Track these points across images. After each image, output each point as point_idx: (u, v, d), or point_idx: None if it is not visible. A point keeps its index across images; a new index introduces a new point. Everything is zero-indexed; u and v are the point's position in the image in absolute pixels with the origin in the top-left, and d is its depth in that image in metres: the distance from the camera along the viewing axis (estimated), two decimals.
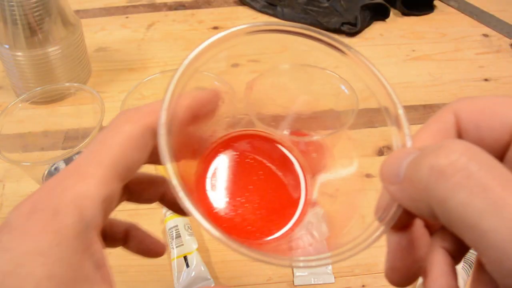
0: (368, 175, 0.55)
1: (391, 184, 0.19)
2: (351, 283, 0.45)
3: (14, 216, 0.20)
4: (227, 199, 0.26)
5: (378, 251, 0.47)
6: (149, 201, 0.28)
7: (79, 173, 0.21)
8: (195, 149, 0.27)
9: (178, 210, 0.28)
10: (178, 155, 0.22)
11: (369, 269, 0.46)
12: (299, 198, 0.27)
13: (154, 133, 0.22)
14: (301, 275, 0.45)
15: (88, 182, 0.20)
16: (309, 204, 0.28)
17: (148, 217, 0.49)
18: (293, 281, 0.45)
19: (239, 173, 0.28)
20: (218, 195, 0.26)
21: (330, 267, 0.45)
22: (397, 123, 0.22)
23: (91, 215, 0.20)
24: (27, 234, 0.19)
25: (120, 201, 0.24)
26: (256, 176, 0.28)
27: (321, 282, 0.45)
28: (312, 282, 0.45)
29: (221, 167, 0.28)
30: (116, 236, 0.28)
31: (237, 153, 0.29)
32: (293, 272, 0.46)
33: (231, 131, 0.30)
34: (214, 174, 0.27)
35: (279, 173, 0.28)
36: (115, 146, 0.22)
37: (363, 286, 0.45)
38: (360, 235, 0.20)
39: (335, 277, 0.45)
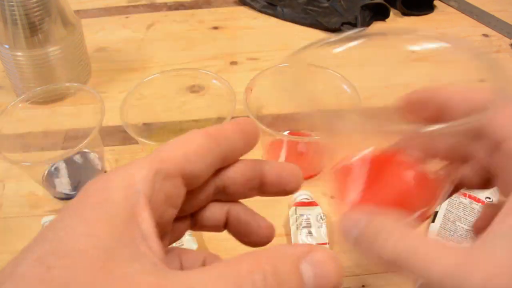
0: None
1: None
2: (351, 283, 0.45)
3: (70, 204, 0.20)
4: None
5: None
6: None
7: (125, 165, 0.21)
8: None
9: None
10: None
11: (369, 269, 0.46)
12: None
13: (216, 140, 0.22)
14: None
15: (138, 166, 0.20)
16: None
17: None
18: None
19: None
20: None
21: None
22: None
23: (141, 184, 0.20)
24: (77, 214, 0.19)
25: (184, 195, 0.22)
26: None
27: None
28: None
29: None
30: (216, 216, 0.26)
31: None
32: None
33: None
34: None
35: None
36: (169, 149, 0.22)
37: (363, 286, 0.45)
38: None
39: None
